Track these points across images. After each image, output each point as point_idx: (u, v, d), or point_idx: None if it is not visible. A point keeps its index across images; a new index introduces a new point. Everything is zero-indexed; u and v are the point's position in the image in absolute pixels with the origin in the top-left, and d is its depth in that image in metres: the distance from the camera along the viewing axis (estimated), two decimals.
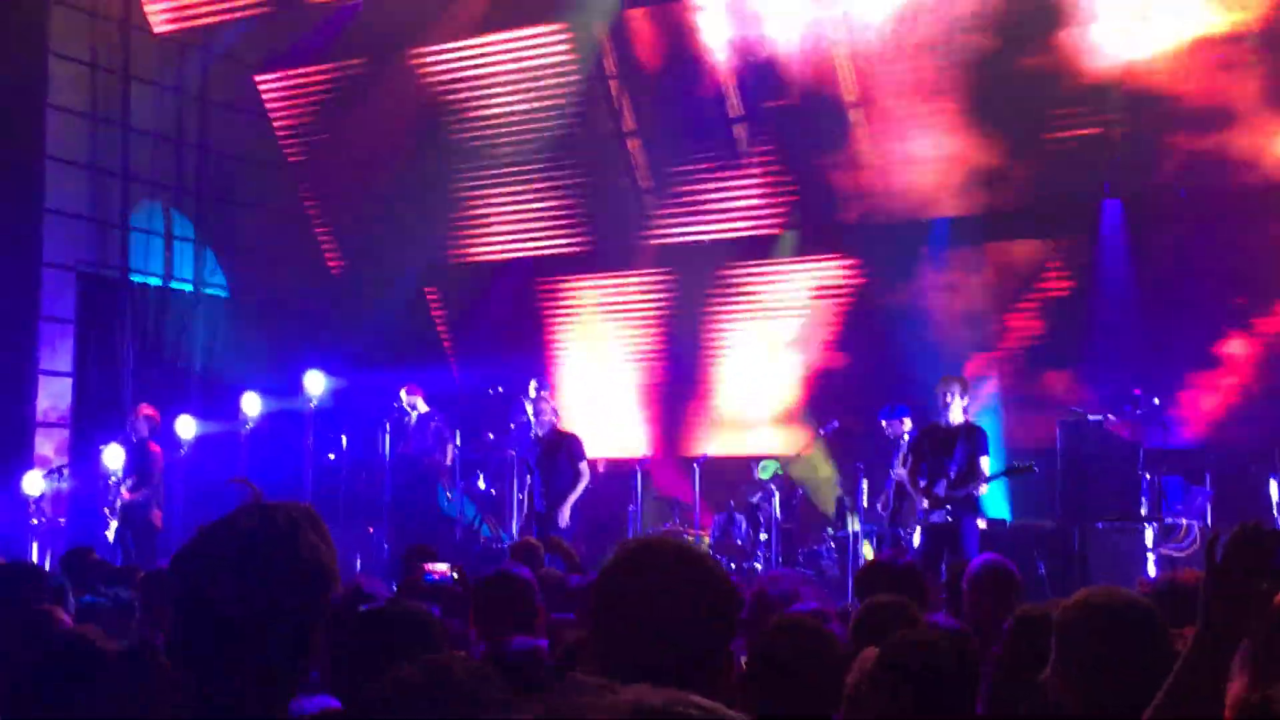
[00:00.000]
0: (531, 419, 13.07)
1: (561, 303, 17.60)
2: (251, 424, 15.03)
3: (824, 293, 16.02)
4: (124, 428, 13.71)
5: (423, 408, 15.43)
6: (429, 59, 16.81)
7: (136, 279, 16.21)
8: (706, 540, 13.83)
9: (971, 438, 11.15)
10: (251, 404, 15.02)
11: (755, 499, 13.86)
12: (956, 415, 11.19)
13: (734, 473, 14.61)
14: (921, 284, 15.22)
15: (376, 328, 17.82)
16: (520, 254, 17.45)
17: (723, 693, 2.34)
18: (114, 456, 13.49)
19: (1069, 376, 14.32)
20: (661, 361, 16.91)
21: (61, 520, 14.26)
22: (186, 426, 14.46)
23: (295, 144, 18.02)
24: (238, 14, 16.42)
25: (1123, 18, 13.67)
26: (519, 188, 17.09)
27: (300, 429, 15.20)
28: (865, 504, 12.56)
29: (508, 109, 16.70)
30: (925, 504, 11.13)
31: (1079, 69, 13.79)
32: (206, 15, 16.45)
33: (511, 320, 17.49)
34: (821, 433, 14.23)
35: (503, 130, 16.84)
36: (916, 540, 11.28)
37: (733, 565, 13.04)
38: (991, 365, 14.71)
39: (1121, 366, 13.58)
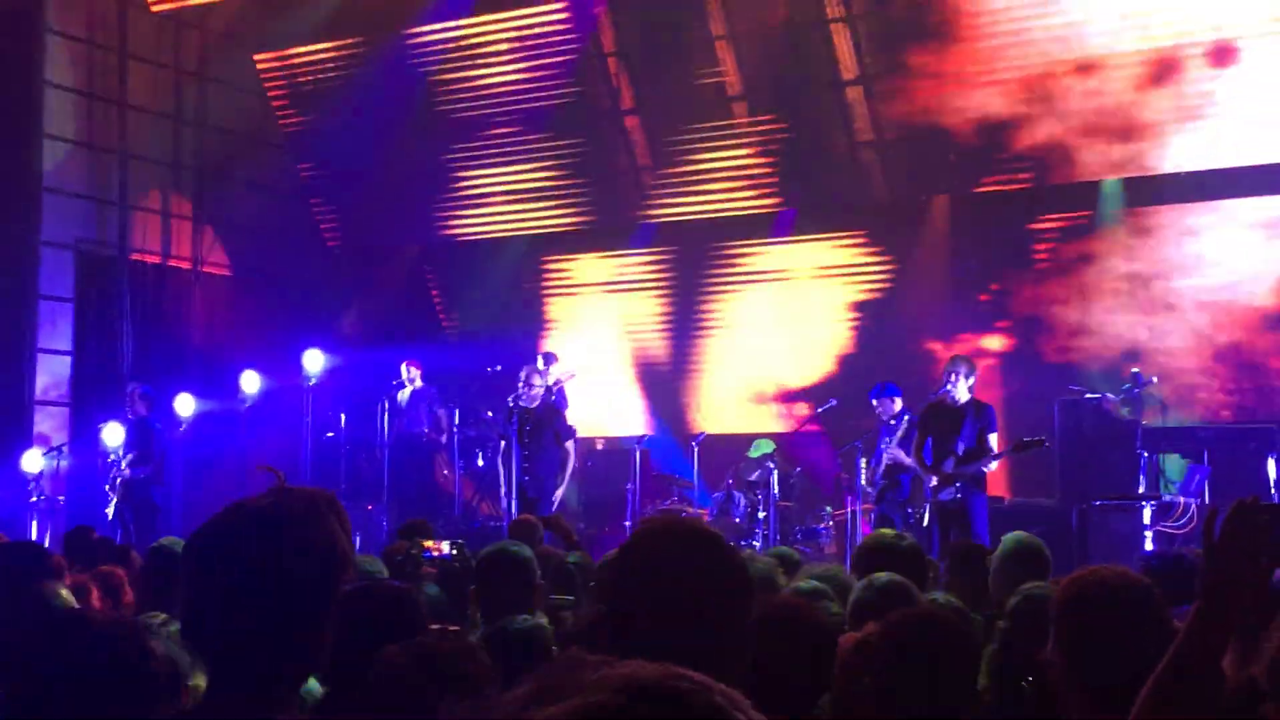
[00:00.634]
0: (523, 388, 12.75)
1: (559, 280, 17.61)
2: (250, 402, 15.05)
3: (823, 270, 16.03)
4: (123, 406, 13.69)
5: (419, 383, 15.45)
6: (426, 36, 16.76)
7: (135, 257, 16.19)
8: (704, 518, 13.86)
9: (980, 414, 11.16)
10: (250, 382, 15.04)
11: (753, 477, 13.86)
12: (963, 393, 11.18)
13: (732, 451, 14.62)
14: (921, 261, 15.25)
15: (375, 306, 17.85)
16: (518, 231, 17.44)
17: (739, 676, 2.34)
18: (113, 434, 13.49)
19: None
20: (660, 339, 16.93)
21: (61, 498, 14.27)
22: (185, 404, 14.47)
23: (293, 121, 17.99)
24: None
25: None
26: (517, 164, 17.07)
27: (299, 407, 15.19)
28: (864, 483, 12.56)
29: (505, 85, 16.67)
30: (934, 482, 11.12)
31: None
32: None
33: (509, 298, 17.49)
34: (819, 410, 14.25)
35: (500, 107, 16.81)
36: (925, 519, 11.25)
37: (730, 544, 13.02)
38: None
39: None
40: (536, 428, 12.59)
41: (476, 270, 17.61)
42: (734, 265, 16.50)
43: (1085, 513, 11.62)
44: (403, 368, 15.51)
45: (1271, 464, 11.76)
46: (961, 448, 11.04)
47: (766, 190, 15.98)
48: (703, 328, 16.61)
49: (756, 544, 13.24)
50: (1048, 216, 14.89)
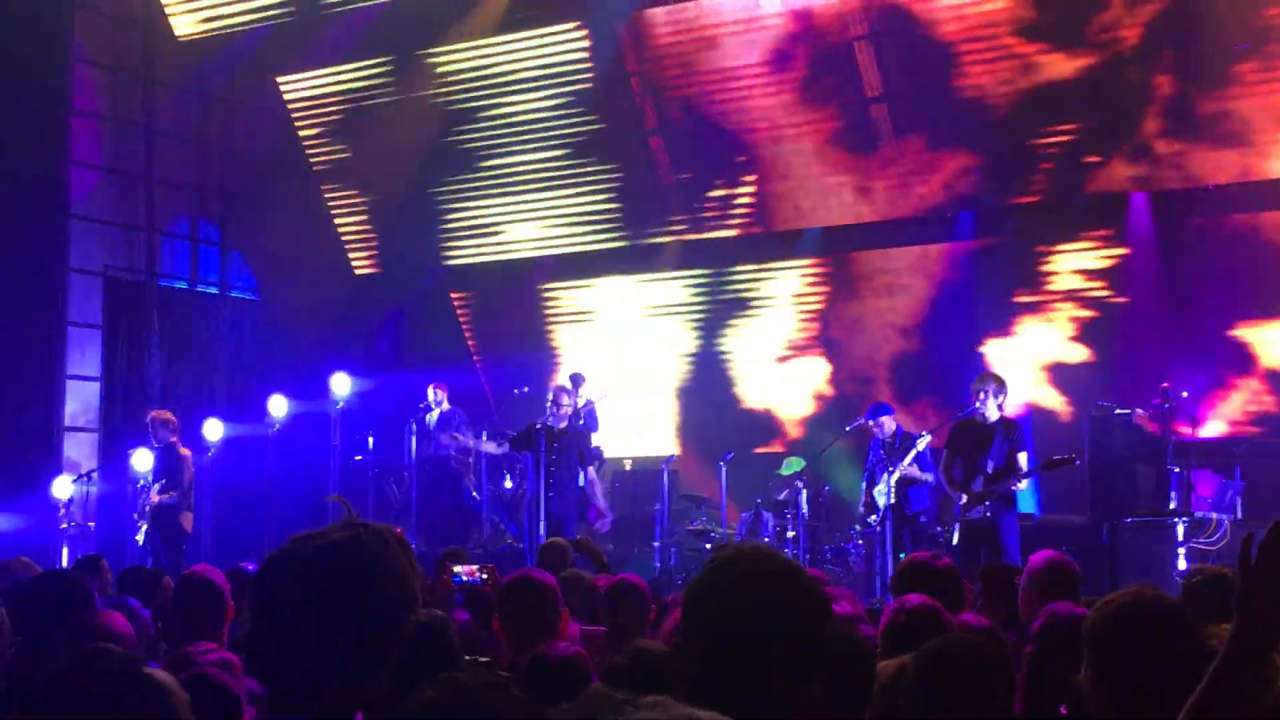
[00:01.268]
0: (551, 408, 12.81)
1: (586, 302, 17.60)
2: (278, 426, 15.09)
3: (848, 289, 15.99)
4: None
5: (446, 405, 15.49)
6: (451, 59, 16.80)
7: (163, 282, 16.27)
8: (733, 537, 13.82)
9: (1010, 433, 11.11)
10: (278, 406, 15.08)
11: (782, 496, 13.81)
12: (992, 411, 11.15)
13: (761, 470, 14.58)
14: (942, 281, 15.20)
15: (402, 329, 17.90)
16: (544, 253, 17.45)
17: (806, 706, 2.33)
18: (142, 460, 13.52)
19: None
20: (687, 358, 16.90)
21: (91, 525, 14.32)
22: (214, 429, 14.51)
23: (318, 146, 18.05)
24: (260, 18, 16.43)
25: None
26: (542, 187, 17.08)
27: (327, 431, 15.24)
28: (861, 505, 12.64)
29: (530, 109, 16.69)
30: (964, 501, 11.07)
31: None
32: (230, 18, 16.47)
33: (536, 320, 17.50)
34: (846, 429, 14.21)
35: (525, 130, 16.83)
36: (955, 538, 11.21)
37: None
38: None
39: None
40: (563, 448, 12.61)
41: (503, 292, 17.63)
42: (762, 284, 16.45)
43: (1116, 530, 11.55)
44: (430, 390, 15.56)
45: None
46: (991, 466, 10.99)
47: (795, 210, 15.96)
48: (730, 346, 16.55)
49: None
50: None
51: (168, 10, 16.36)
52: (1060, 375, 14.60)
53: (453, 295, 18.28)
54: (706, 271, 16.71)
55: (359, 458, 15.69)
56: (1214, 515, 11.57)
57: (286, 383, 15.70)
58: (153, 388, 15.71)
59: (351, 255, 18.49)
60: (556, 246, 17.32)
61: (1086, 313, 14.58)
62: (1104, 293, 14.51)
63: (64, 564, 12.90)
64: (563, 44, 16.27)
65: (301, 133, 17.97)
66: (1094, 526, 11.84)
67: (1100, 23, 13.79)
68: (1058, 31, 13.97)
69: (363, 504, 14.72)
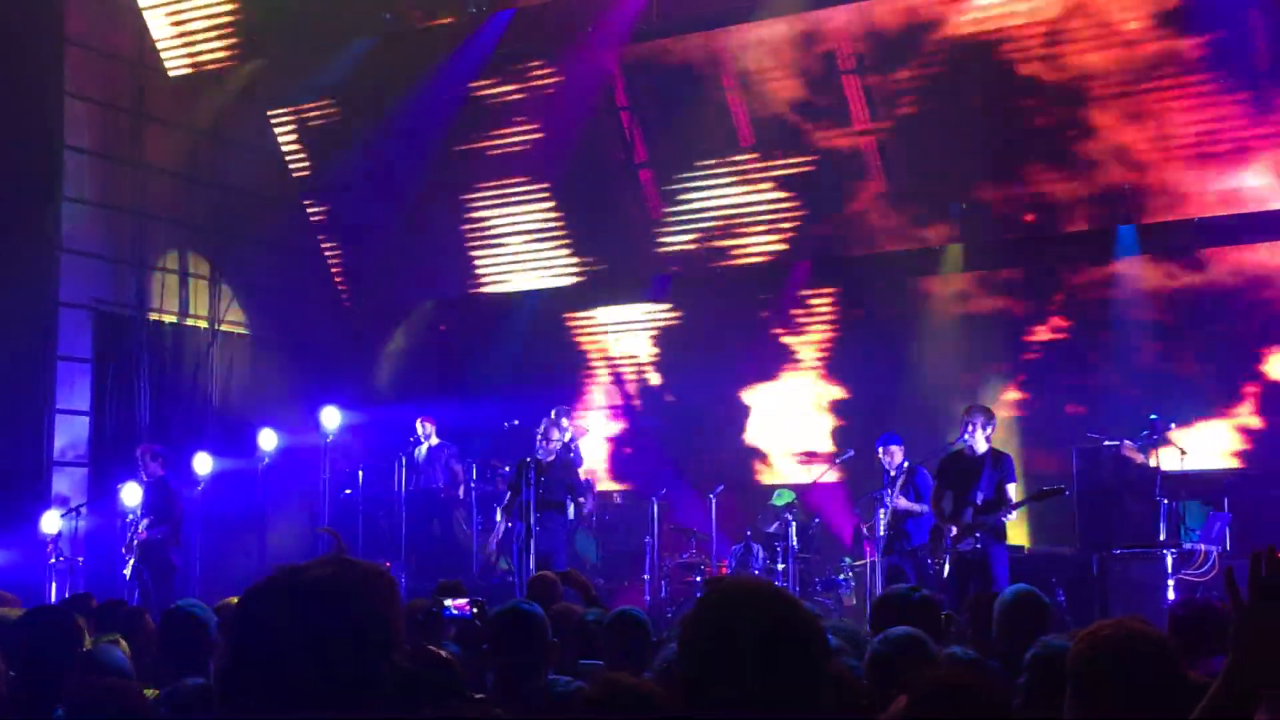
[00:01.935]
0: (541, 442, 12.96)
1: (575, 334, 17.61)
2: (268, 460, 15.07)
3: (837, 320, 16.03)
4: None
5: (435, 439, 15.49)
6: (444, 92, 16.82)
7: (153, 316, 16.26)
8: (724, 570, 13.79)
9: (999, 465, 11.13)
10: (268, 440, 15.07)
11: (772, 528, 13.81)
12: (980, 443, 11.17)
13: (750, 502, 14.58)
14: (937, 312, 15.26)
15: (391, 363, 17.90)
16: (533, 286, 17.47)
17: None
18: (131, 494, 13.49)
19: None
20: (676, 391, 16.90)
21: (80, 559, 14.27)
22: (203, 463, 14.48)
23: (308, 179, 18.06)
24: (251, 55, 16.44)
25: None
26: (530, 220, 17.12)
27: (317, 464, 15.23)
28: (883, 533, 12.55)
29: (519, 140, 16.74)
30: (954, 532, 11.07)
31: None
32: (221, 53, 16.47)
33: (526, 352, 17.49)
34: (837, 461, 14.24)
35: (513, 163, 16.88)
36: (945, 570, 11.21)
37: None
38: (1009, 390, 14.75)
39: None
40: (551, 482, 12.63)
41: (492, 325, 17.63)
42: (749, 316, 16.48)
43: (1105, 561, 11.56)
44: (418, 424, 15.58)
45: None
46: (980, 498, 11.00)
47: (783, 235, 15.99)
48: (719, 378, 16.55)
49: None
50: None
51: (159, 46, 16.37)
52: None
53: (442, 328, 18.28)
54: (695, 302, 16.73)
55: (348, 491, 15.66)
56: (1202, 546, 11.59)
57: (276, 416, 15.69)
58: (142, 422, 15.67)
59: (340, 288, 18.50)
60: (547, 278, 17.35)
61: None
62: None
63: (52, 599, 12.87)
64: (542, 80, 16.39)
65: (291, 166, 17.99)
66: (1084, 558, 11.85)
67: None
68: None
69: (352, 538, 14.69)
